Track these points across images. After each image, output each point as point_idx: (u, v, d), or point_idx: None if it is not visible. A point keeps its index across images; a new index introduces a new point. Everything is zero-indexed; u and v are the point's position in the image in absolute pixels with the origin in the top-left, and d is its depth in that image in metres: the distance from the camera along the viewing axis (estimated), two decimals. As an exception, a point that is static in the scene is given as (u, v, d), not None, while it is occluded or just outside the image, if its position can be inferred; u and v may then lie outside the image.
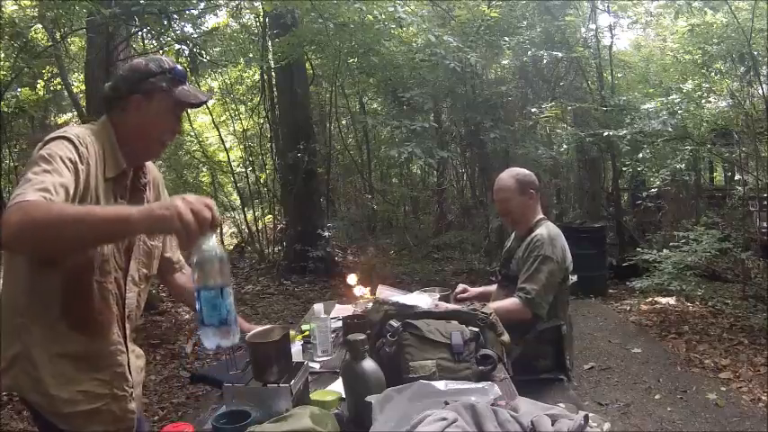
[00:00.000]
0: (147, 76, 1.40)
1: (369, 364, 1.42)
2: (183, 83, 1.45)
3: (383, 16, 5.45)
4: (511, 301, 2.27)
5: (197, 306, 1.12)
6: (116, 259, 1.44)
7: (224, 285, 1.11)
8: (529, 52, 6.55)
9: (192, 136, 8.86)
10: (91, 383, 1.41)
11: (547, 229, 2.36)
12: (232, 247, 9.25)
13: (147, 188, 1.55)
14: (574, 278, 2.45)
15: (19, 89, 6.57)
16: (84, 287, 1.37)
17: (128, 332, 1.52)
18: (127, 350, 1.51)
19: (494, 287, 2.61)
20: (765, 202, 6.11)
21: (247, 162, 9.14)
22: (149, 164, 1.58)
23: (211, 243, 1.10)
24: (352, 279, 2.63)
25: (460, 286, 2.65)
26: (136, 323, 1.59)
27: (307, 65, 7.91)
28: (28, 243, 1.12)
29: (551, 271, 2.26)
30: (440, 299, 2.26)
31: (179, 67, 1.47)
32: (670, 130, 5.54)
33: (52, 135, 1.31)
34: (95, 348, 1.43)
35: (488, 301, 2.36)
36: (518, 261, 2.38)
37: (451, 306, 2.05)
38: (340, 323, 2.22)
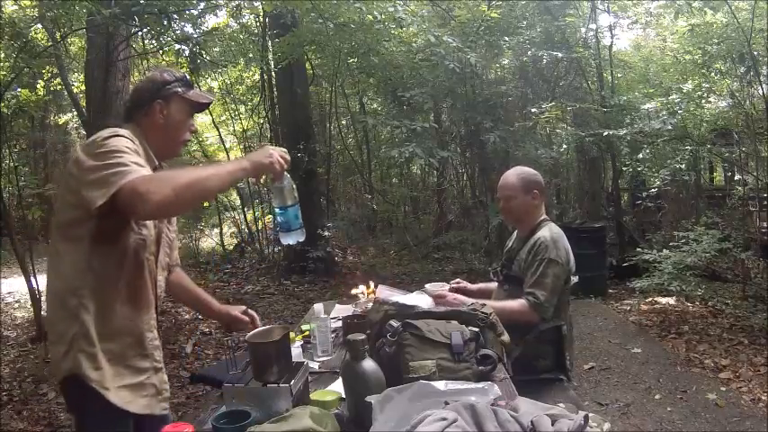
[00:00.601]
0: (163, 84, 1.65)
1: (369, 364, 1.42)
2: (192, 87, 1.71)
3: (383, 16, 5.44)
4: (519, 303, 2.27)
5: (282, 219, 1.59)
6: (151, 245, 1.62)
7: (298, 202, 1.60)
8: (529, 52, 6.54)
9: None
10: (136, 358, 1.57)
11: (549, 231, 2.36)
12: (232, 247, 9.25)
13: None
14: (575, 279, 2.45)
15: (18, 89, 6.56)
16: (139, 263, 1.57)
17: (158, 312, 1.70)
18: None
19: (494, 285, 2.62)
20: (765, 202, 6.11)
21: (247, 162, 9.13)
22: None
23: (288, 175, 1.56)
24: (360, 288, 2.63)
25: (456, 281, 2.64)
26: None
27: (307, 65, 7.91)
28: (183, 201, 1.42)
29: (557, 274, 2.27)
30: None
31: (186, 75, 1.74)
32: (670, 127, 5.53)
33: (108, 133, 1.50)
34: (140, 322, 1.59)
35: (489, 299, 2.38)
36: (520, 263, 2.38)
37: (457, 295, 2.19)
38: (340, 323, 2.22)
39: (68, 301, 1.48)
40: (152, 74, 1.73)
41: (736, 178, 7.38)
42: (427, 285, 2.44)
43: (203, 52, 5.53)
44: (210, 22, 7.64)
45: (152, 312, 1.64)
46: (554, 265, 2.27)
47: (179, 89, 1.65)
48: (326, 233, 7.31)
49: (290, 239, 1.61)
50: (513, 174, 2.46)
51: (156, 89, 1.64)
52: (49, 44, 5.87)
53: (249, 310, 1.94)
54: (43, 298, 5.74)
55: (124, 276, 1.54)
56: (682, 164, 5.97)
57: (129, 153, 1.44)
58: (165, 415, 1.66)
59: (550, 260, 2.27)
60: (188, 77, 1.72)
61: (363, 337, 1.46)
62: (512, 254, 2.49)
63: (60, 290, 1.51)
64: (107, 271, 1.51)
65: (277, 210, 1.59)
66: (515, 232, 2.59)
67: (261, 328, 1.62)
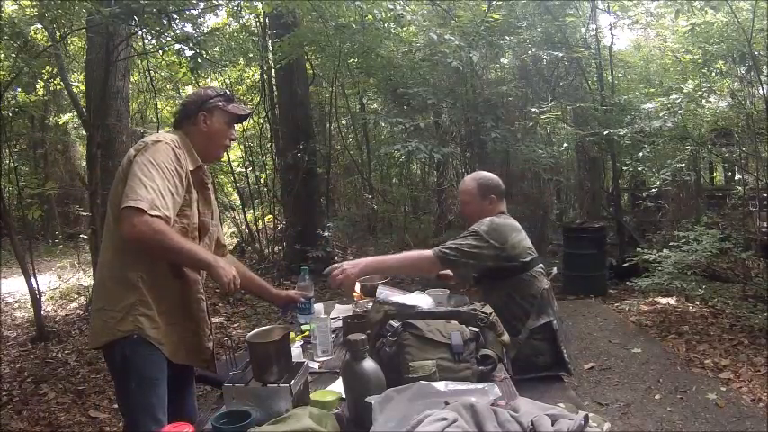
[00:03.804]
0: (207, 98, 1.93)
1: (369, 364, 1.42)
2: (232, 102, 1.98)
3: (383, 15, 5.43)
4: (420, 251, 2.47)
5: (305, 307, 2.24)
6: (193, 232, 1.88)
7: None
8: (529, 52, 6.53)
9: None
10: (182, 322, 1.86)
11: (500, 217, 2.42)
12: (232, 247, 9.25)
13: (211, 187, 2.05)
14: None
15: (18, 89, 6.56)
16: None
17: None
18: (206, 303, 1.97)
19: None
20: (765, 202, 6.10)
21: (247, 162, 9.14)
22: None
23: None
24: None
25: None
26: None
27: (307, 65, 7.90)
28: (149, 248, 1.68)
29: (474, 245, 2.30)
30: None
31: (228, 91, 2.02)
32: (670, 125, 5.52)
33: (154, 138, 1.78)
34: (186, 294, 1.87)
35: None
36: None
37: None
38: (340, 323, 2.22)
39: (127, 274, 1.74)
40: (197, 90, 2.04)
41: (736, 178, 7.39)
42: (428, 291, 2.44)
43: (203, 52, 5.52)
44: (210, 21, 7.65)
45: (198, 287, 1.90)
46: (475, 236, 2.31)
47: (220, 103, 1.93)
48: (326, 233, 7.30)
49: (302, 320, 2.24)
50: (471, 178, 2.55)
51: (201, 102, 1.92)
52: (49, 44, 5.86)
53: (300, 292, 2.26)
54: (43, 298, 5.75)
55: None
56: (682, 164, 5.97)
57: (162, 169, 1.69)
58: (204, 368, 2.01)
59: (473, 231, 2.33)
60: (229, 93, 2.00)
61: (363, 337, 1.46)
62: None
63: (120, 264, 1.76)
64: None
65: (305, 306, 2.26)
66: None
67: (261, 329, 1.62)
